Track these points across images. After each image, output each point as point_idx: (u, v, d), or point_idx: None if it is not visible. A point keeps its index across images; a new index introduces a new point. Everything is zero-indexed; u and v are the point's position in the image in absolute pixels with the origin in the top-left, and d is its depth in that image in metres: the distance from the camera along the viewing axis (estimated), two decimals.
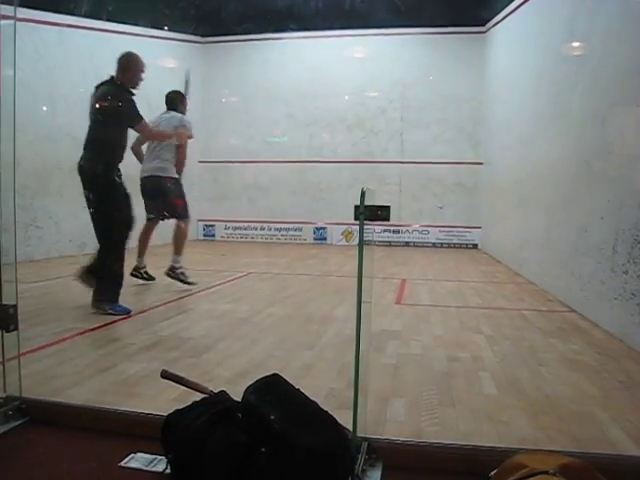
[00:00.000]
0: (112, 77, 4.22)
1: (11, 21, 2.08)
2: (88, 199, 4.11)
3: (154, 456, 1.79)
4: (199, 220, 10.99)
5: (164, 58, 10.13)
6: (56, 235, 7.61)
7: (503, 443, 1.90)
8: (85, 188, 4.12)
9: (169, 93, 5.61)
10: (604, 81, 4.20)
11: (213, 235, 11.11)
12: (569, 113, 4.99)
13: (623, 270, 3.63)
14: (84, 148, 4.16)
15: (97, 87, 4.22)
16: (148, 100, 9.33)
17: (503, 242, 7.99)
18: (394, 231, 10.17)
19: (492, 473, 1.44)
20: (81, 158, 4.14)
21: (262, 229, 10.91)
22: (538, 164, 5.96)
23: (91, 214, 4.11)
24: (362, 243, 1.58)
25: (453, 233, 10.21)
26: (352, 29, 10.40)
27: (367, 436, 1.79)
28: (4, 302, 2.07)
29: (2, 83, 2.06)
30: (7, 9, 2.05)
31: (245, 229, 10.97)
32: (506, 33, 8.38)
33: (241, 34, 10.81)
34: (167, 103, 5.56)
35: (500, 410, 2.35)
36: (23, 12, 6.63)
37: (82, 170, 4.12)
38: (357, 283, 1.58)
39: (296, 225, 10.77)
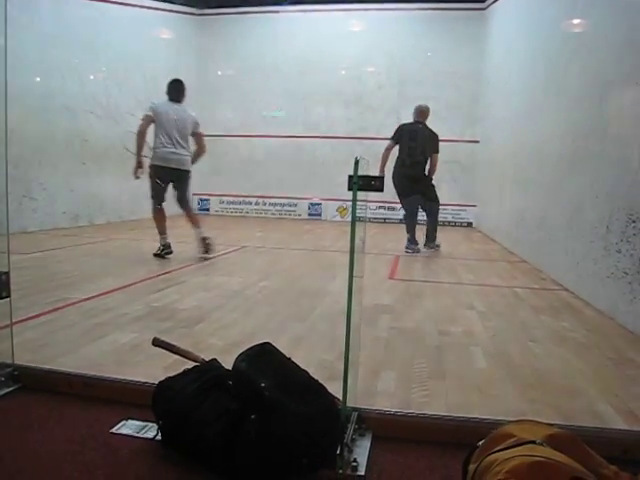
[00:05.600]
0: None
1: None
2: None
3: (145, 423, 1.81)
4: (194, 194, 10.95)
5: (159, 29, 10.03)
6: (50, 207, 7.55)
7: (492, 415, 1.91)
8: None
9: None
10: (602, 59, 4.16)
11: (208, 209, 11.10)
12: (566, 91, 4.95)
13: (616, 249, 3.64)
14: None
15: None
16: (143, 71, 9.37)
17: (498, 220, 8.00)
18: (389, 208, 10.15)
19: (480, 443, 1.45)
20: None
21: (257, 204, 10.90)
22: (534, 143, 5.93)
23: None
24: (355, 213, 1.57)
25: (448, 211, 10.17)
26: (350, 3, 10.30)
27: (357, 406, 1.80)
28: None
29: None
30: None
31: (240, 203, 10.95)
32: (506, 10, 8.28)
33: (237, 6, 10.67)
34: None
35: (489, 383, 2.37)
36: None
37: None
38: (349, 252, 1.57)
39: (291, 200, 10.76)
